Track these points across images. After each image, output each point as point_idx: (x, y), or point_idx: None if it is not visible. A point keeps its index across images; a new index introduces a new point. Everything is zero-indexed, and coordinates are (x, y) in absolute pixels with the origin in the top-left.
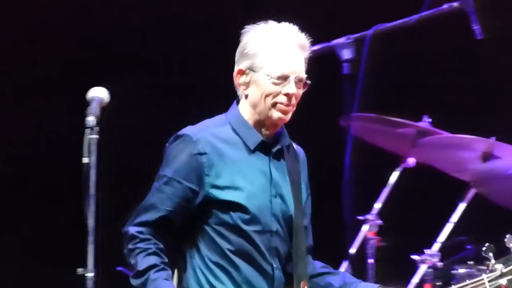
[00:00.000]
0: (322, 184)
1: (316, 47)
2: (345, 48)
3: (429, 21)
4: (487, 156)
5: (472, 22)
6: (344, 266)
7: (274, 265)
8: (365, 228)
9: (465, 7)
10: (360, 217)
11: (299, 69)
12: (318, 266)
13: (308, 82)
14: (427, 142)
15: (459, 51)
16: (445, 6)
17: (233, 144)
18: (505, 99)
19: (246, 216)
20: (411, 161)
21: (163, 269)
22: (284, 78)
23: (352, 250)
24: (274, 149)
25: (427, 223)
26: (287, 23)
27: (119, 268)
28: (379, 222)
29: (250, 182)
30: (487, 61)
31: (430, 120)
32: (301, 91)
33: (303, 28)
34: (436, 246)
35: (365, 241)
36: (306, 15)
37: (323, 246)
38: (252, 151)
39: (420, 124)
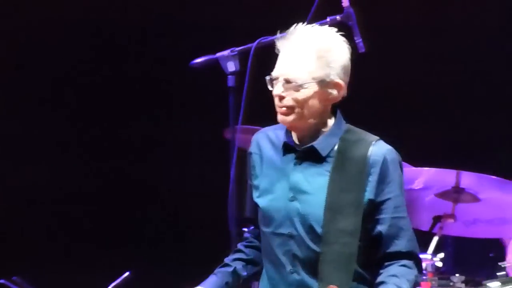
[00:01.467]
0: (206, 196)
1: (200, 60)
2: (229, 61)
3: None
4: None
5: (355, 35)
6: None
7: (288, 269)
8: None
9: (347, 21)
10: (245, 229)
11: (286, 71)
12: (384, 276)
13: (298, 83)
14: None
15: None
16: (328, 19)
17: (276, 146)
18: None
19: (264, 218)
20: None
21: (225, 265)
22: (273, 80)
23: None
24: (300, 151)
25: None
26: (307, 25)
27: (1, 281)
28: None
29: (272, 184)
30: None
31: None
32: (295, 94)
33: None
34: None
35: None
36: (198, 27)
37: (210, 257)
38: (283, 153)
39: None
